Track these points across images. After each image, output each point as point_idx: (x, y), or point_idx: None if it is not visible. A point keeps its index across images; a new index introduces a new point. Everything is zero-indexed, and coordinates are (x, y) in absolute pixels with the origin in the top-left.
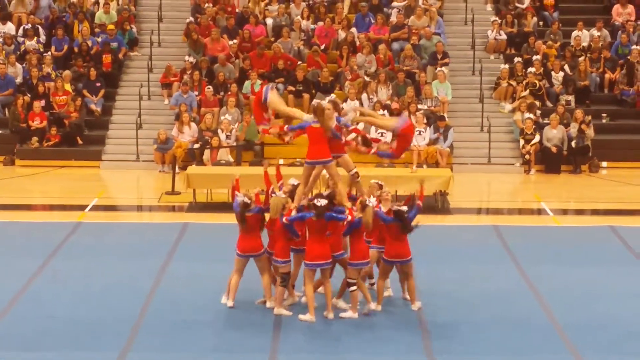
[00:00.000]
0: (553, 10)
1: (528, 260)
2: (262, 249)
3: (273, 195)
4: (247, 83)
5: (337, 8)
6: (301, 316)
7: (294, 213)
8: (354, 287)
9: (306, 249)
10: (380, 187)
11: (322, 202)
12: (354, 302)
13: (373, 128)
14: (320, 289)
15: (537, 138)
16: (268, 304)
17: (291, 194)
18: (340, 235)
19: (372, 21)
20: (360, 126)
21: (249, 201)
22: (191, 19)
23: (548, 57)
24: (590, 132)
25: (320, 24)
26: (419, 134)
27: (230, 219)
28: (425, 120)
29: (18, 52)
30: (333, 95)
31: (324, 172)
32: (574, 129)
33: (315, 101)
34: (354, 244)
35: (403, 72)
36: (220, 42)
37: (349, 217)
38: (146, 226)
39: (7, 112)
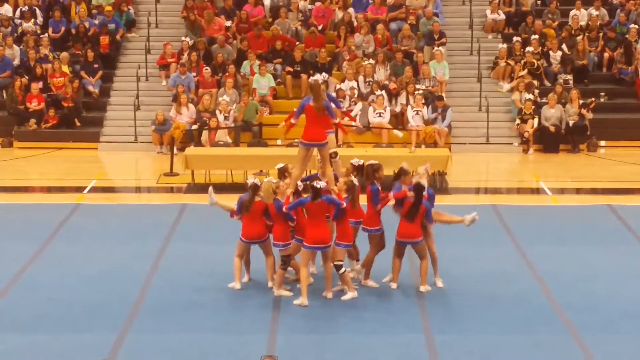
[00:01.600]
0: None
1: (526, 240)
2: (267, 234)
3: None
4: (245, 63)
5: None
6: (295, 301)
7: (291, 198)
8: (343, 269)
9: (306, 232)
10: (356, 168)
11: (321, 184)
12: (349, 283)
13: (371, 109)
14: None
15: (536, 121)
16: (269, 284)
17: (280, 174)
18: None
19: (370, 1)
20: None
21: (259, 183)
22: None
23: (546, 37)
24: (589, 114)
25: (318, 4)
26: (417, 113)
27: (229, 199)
28: (423, 101)
29: (15, 34)
30: (325, 75)
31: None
32: (570, 109)
33: (311, 79)
34: (339, 225)
35: (401, 52)
36: (216, 23)
37: (343, 204)
38: (144, 207)
39: (4, 94)
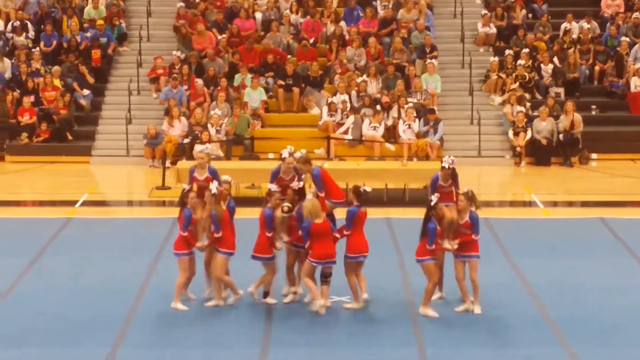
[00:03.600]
0: (542, 3)
1: (518, 252)
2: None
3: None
4: (237, 77)
5: (326, 2)
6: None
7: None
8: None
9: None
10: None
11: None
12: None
13: (366, 122)
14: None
15: (529, 134)
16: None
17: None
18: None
19: (361, 14)
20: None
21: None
22: (181, 4)
23: (537, 50)
24: (579, 128)
25: (308, 17)
26: (408, 127)
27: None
28: (415, 114)
29: (7, 48)
30: (291, 147)
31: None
32: (563, 122)
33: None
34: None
35: (393, 65)
36: (207, 37)
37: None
38: (136, 221)
39: None
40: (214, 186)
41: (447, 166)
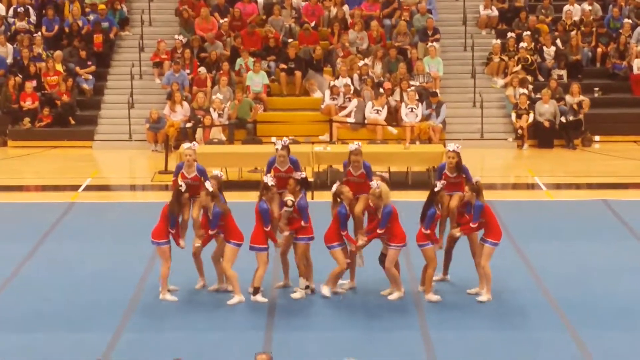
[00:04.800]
0: None
1: (522, 235)
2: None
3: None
4: (238, 61)
5: None
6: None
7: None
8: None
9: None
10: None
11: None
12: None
13: (369, 105)
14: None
15: (531, 117)
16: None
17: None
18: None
19: None
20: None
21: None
22: None
23: (539, 32)
24: (586, 109)
25: (309, 1)
26: (411, 110)
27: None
28: (417, 97)
29: (9, 33)
30: (286, 139)
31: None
32: (571, 100)
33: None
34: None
35: (395, 48)
36: (210, 22)
37: None
38: (140, 206)
39: None
40: (209, 184)
41: (451, 149)
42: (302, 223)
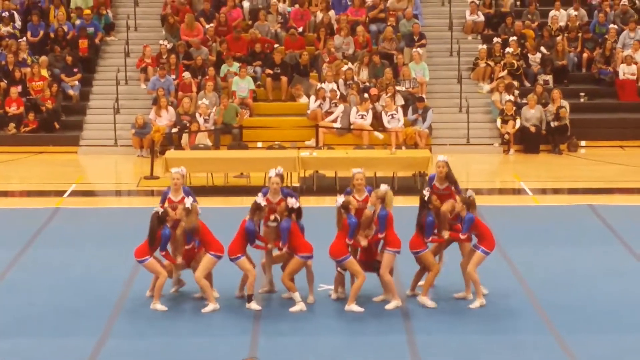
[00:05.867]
0: None
1: (507, 240)
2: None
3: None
4: (224, 66)
5: None
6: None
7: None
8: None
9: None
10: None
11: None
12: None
13: (353, 111)
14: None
15: (517, 123)
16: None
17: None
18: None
19: (349, 3)
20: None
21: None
22: None
23: (526, 37)
24: (566, 115)
25: (297, 6)
26: (392, 117)
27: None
28: (396, 103)
29: None
30: (280, 169)
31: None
32: (551, 109)
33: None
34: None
35: (378, 54)
36: (195, 28)
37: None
38: (125, 211)
39: None
40: (189, 201)
41: (441, 159)
42: (280, 244)
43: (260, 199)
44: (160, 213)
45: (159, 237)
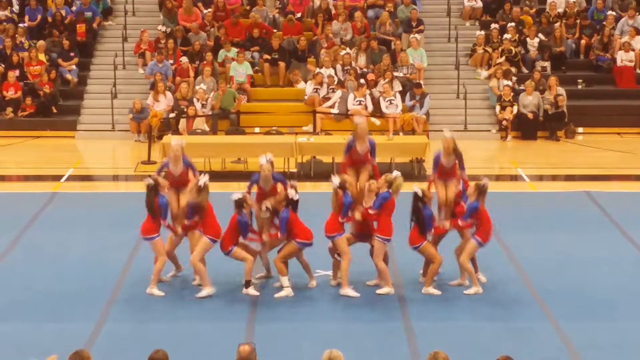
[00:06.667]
0: None
1: (504, 226)
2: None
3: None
4: (221, 52)
5: None
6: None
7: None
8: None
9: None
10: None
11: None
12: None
13: (350, 97)
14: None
15: (515, 109)
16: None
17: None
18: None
19: None
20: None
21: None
22: None
23: (524, 24)
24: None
25: None
26: (390, 102)
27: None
28: (394, 89)
29: None
30: (270, 155)
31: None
32: (548, 96)
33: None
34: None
35: (376, 40)
36: (193, 13)
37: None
38: (122, 196)
39: None
40: (203, 180)
41: (448, 136)
42: (279, 234)
43: (236, 195)
44: (152, 184)
45: (158, 207)
